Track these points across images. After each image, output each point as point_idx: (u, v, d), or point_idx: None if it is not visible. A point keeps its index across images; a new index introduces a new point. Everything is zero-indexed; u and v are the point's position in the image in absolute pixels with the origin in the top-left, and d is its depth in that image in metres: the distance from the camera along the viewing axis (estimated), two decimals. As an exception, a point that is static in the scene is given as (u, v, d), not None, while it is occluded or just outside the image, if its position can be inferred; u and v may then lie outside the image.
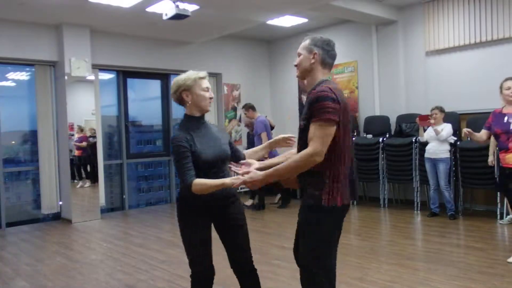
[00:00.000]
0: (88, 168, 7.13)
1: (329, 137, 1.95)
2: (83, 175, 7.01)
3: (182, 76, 2.35)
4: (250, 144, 7.22)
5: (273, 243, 4.89)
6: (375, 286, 3.48)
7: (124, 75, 7.63)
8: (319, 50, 2.12)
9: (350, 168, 2.09)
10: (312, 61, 2.12)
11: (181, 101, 2.38)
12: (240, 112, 8.39)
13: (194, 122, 2.36)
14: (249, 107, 6.60)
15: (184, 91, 2.32)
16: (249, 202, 6.94)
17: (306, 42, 2.18)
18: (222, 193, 2.29)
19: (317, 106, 1.95)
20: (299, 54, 2.19)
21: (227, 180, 2.14)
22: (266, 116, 7.08)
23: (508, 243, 4.77)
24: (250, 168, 2.17)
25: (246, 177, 2.06)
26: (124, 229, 6.14)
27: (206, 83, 2.35)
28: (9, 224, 6.41)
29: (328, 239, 2.07)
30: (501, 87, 4.17)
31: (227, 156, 2.39)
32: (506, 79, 4.16)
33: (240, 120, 8.52)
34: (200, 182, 2.17)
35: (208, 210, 2.35)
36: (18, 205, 7.10)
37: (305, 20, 7.37)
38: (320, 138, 1.93)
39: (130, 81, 7.76)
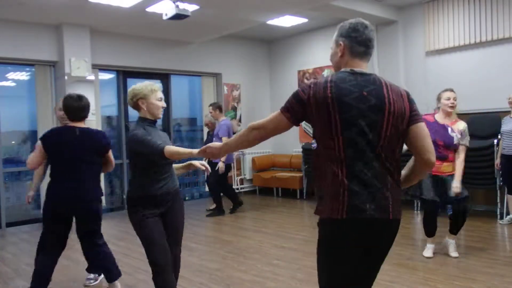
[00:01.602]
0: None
1: (274, 121, 1.81)
2: None
3: (139, 86, 2.68)
4: (207, 143, 7.07)
5: (273, 243, 4.89)
6: (375, 286, 3.46)
7: (124, 75, 7.63)
8: (345, 40, 1.85)
9: (366, 174, 1.70)
10: (339, 53, 1.87)
11: (136, 107, 2.70)
12: (240, 112, 8.41)
13: (147, 122, 2.67)
14: (216, 107, 6.50)
15: (140, 99, 2.66)
16: (213, 206, 6.92)
17: (335, 34, 1.93)
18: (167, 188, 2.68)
19: None
20: (331, 49, 1.98)
21: (193, 150, 2.39)
22: (232, 119, 6.99)
23: (508, 243, 4.77)
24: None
25: (205, 147, 2.21)
26: (124, 229, 6.13)
27: (160, 94, 2.70)
28: (9, 224, 6.41)
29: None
30: (439, 98, 4.14)
31: None
32: (445, 90, 4.19)
33: (240, 120, 8.52)
34: (171, 148, 2.46)
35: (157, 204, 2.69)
36: (18, 205, 7.10)
37: (305, 20, 7.37)
38: (267, 118, 1.85)
39: (130, 81, 7.76)
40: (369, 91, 1.74)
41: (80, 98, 3.31)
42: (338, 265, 1.74)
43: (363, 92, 1.73)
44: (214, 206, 6.83)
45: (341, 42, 1.86)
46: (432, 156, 1.79)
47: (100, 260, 3.42)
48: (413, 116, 1.79)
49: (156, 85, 2.72)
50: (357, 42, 1.83)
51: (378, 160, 1.71)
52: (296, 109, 1.76)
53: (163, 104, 2.71)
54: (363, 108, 1.70)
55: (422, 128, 1.78)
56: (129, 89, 2.70)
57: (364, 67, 1.85)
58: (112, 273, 3.42)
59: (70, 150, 3.19)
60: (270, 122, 1.83)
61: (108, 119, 7.79)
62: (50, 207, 3.22)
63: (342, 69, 1.84)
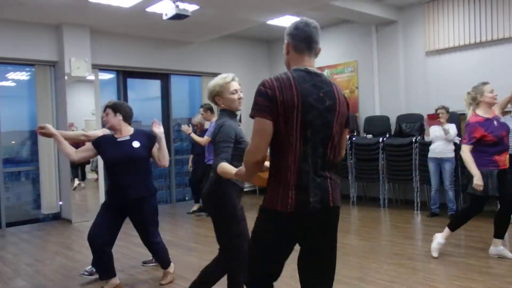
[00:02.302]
0: (88, 168, 7.14)
1: (262, 133, 1.79)
2: (79, 177, 7.00)
3: (212, 83, 2.64)
4: (192, 144, 7.08)
5: (273, 243, 4.88)
6: (375, 286, 3.48)
7: (124, 75, 7.63)
8: (289, 38, 1.93)
9: (315, 168, 1.84)
10: (285, 51, 1.96)
11: (216, 104, 2.70)
12: (239, 112, 8.37)
13: (228, 114, 2.65)
14: (207, 108, 6.47)
15: (216, 96, 2.64)
16: (195, 207, 6.95)
17: None
18: None
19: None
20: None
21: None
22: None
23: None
24: None
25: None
26: (124, 229, 6.11)
27: (234, 86, 2.62)
28: (9, 224, 6.41)
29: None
30: (480, 93, 4.02)
31: None
32: (484, 84, 4.10)
33: (240, 120, 8.50)
34: (222, 166, 2.41)
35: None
36: (18, 205, 7.09)
37: (305, 20, 7.36)
38: (253, 137, 1.82)
39: (130, 81, 7.76)
40: (324, 92, 1.86)
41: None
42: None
43: (320, 93, 1.85)
44: (197, 206, 6.95)
45: (286, 41, 1.96)
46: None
47: None
48: (347, 119, 1.98)
49: (230, 76, 2.64)
50: (298, 40, 1.91)
51: (327, 155, 1.88)
52: (271, 108, 1.77)
53: (239, 95, 2.66)
54: (321, 109, 1.83)
55: (346, 133, 2.04)
56: (207, 88, 2.71)
57: (312, 64, 1.94)
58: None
59: None
60: (259, 140, 1.80)
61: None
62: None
63: (295, 67, 1.90)
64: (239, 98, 2.65)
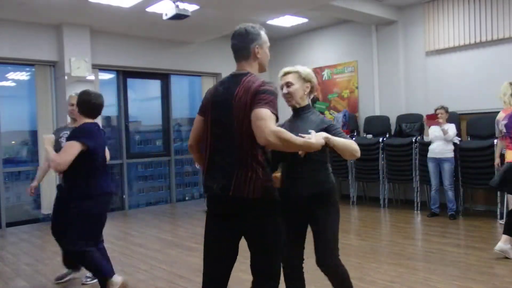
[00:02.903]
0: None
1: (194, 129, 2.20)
2: None
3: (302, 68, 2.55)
4: None
5: (273, 243, 4.88)
6: (375, 286, 3.48)
7: (124, 75, 7.63)
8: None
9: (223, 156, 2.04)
10: None
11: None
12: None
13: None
14: None
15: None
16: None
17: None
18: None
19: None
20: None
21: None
22: None
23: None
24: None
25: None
26: (124, 229, 6.14)
27: (283, 80, 2.49)
28: (9, 224, 6.41)
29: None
30: None
31: None
32: None
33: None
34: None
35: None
36: (18, 205, 7.10)
37: (305, 20, 7.37)
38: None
39: (130, 81, 7.76)
40: (225, 88, 2.08)
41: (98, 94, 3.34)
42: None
43: (223, 90, 2.08)
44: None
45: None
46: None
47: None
48: (250, 105, 1.97)
49: (281, 71, 2.53)
50: (232, 47, 2.18)
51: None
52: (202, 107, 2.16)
53: (285, 90, 2.47)
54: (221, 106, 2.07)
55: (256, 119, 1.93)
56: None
57: (239, 67, 2.16)
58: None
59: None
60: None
61: (108, 119, 7.78)
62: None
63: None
64: (285, 93, 2.48)
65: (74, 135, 3.12)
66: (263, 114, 1.88)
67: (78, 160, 3.02)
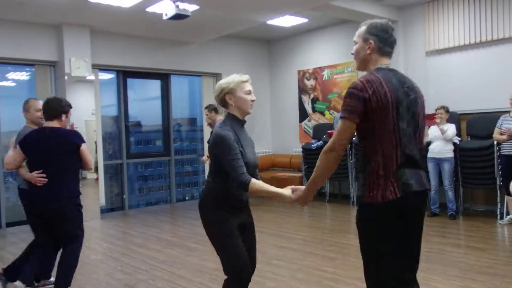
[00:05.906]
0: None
1: (347, 133, 1.89)
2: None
3: (225, 80, 2.42)
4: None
5: (273, 243, 4.89)
6: (375, 286, 3.47)
7: (124, 75, 7.63)
8: (375, 39, 2.01)
9: (407, 158, 1.92)
10: (368, 51, 2.03)
11: (224, 104, 2.44)
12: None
13: (236, 122, 2.41)
14: (212, 109, 6.49)
15: (227, 94, 2.39)
16: None
17: (362, 29, 2.07)
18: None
19: (343, 102, 1.94)
20: (355, 42, 2.10)
21: (285, 193, 2.25)
22: None
23: (508, 243, 4.78)
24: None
25: (294, 196, 2.22)
26: (124, 229, 6.14)
27: (248, 87, 2.42)
28: (9, 224, 6.42)
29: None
30: None
31: (257, 164, 2.48)
32: None
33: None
34: (259, 184, 2.26)
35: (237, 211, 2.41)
36: (18, 205, 7.08)
37: (305, 20, 7.37)
38: (337, 134, 1.91)
39: (130, 81, 7.76)
40: (407, 87, 1.98)
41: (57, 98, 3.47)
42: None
43: (404, 88, 1.95)
44: None
45: (371, 40, 2.00)
46: None
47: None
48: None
49: (245, 76, 2.44)
50: (387, 43, 2.02)
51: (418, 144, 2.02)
52: (360, 109, 1.86)
53: (252, 97, 2.42)
54: (407, 102, 1.94)
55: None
56: (216, 85, 2.46)
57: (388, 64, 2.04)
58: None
59: (43, 150, 3.24)
60: (343, 135, 1.89)
61: (108, 119, 7.78)
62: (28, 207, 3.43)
63: (379, 66, 1.99)
64: (252, 100, 2.42)
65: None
66: None
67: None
